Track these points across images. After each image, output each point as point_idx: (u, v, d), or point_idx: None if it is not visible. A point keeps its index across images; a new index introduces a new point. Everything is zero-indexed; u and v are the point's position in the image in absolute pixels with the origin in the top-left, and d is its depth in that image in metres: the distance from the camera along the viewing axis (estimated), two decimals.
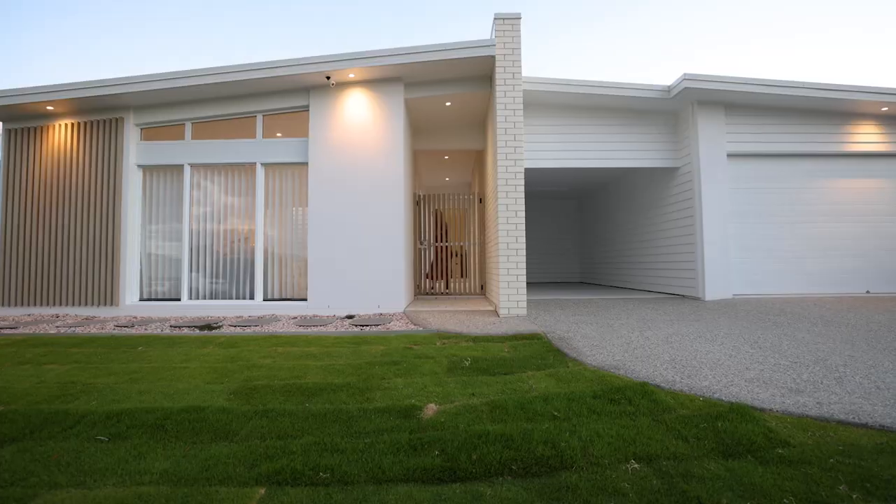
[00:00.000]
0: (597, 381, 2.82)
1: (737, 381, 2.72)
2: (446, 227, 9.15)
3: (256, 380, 3.07)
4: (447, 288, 8.80)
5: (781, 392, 2.50)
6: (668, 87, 6.76)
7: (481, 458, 1.89)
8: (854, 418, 2.12)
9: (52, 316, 6.27)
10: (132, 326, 5.29)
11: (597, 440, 2.01)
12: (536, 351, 3.62)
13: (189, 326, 5.18)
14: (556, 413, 2.35)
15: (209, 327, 5.10)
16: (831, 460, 1.76)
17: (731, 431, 2.04)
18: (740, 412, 2.23)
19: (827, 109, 6.98)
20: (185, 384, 3.01)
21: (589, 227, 12.76)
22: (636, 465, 1.81)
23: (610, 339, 3.97)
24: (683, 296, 7.26)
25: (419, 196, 8.73)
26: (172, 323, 5.49)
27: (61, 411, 2.49)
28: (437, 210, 8.87)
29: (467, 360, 3.38)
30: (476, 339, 4.16)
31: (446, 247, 8.97)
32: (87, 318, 6.02)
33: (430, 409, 2.47)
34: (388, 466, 1.84)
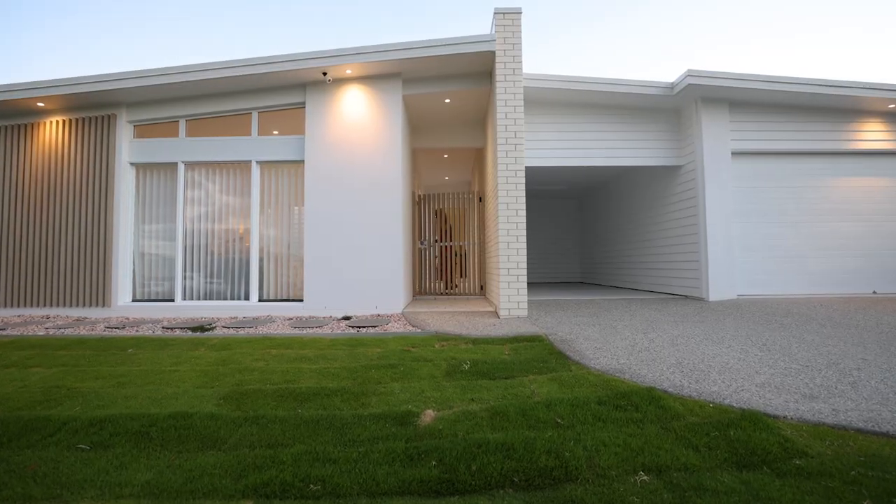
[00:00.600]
0: (601, 385, 2.72)
1: (747, 385, 2.61)
2: (446, 226, 9.05)
3: (248, 384, 2.97)
4: (447, 288, 8.71)
5: (795, 398, 2.39)
6: (672, 83, 6.65)
7: (481, 468, 1.79)
8: (873, 426, 2.02)
9: (43, 317, 6.16)
10: (123, 328, 5.18)
11: (603, 450, 1.91)
12: (538, 354, 3.52)
13: (182, 328, 5.07)
14: (559, 420, 2.25)
15: (202, 329, 4.99)
16: (853, 473, 1.66)
17: (745, 440, 1.94)
18: (753, 419, 2.12)
19: (832, 107, 6.87)
20: (173, 388, 2.91)
21: (589, 227, 12.66)
22: (645, 478, 1.71)
23: (613, 341, 3.87)
24: (686, 296, 7.16)
25: (420, 196, 8.64)
26: (165, 324, 5.38)
27: (42, 417, 2.39)
28: (438, 209, 8.77)
29: (466, 364, 3.27)
30: (476, 342, 4.06)
31: (446, 246, 8.87)
32: (77, 320, 5.91)
33: (428, 415, 2.37)
34: (383, 478, 1.74)
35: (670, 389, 2.60)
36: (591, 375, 2.93)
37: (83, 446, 2.09)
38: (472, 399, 2.58)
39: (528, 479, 1.71)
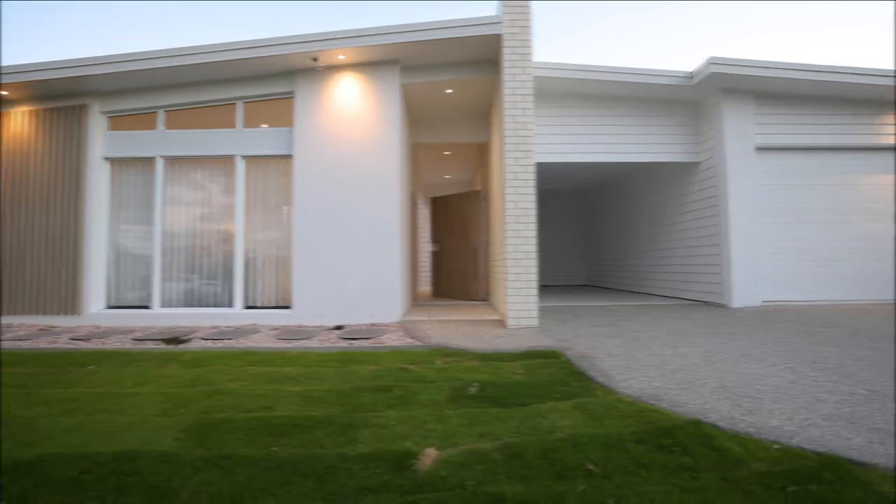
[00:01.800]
0: (636, 416, 2.28)
1: (812, 418, 2.17)
2: (447, 227, 8.62)
3: (217, 411, 2.53)
4: (449, 294, 8.28)
5: (879, 437, 1.95)
6: (691, 73, 6.20)
7: None
8: None
9: (3, 326, 5.63)
10: (89, 339, 4.69)
11: None
12: (555, 373, 3.08)
13: (154, 339, 4.60)
14: (591, 466, 1.81)
15: (177, 340, 4.52)
16: None
17: (835, 502, 1.49)
18: (837, 469, 1.69)
19: (867, 98, 6.37)
20: (129, 417, 2.48)
21: (596, 228, 12.24)
22: None
23: (640, 357, 3.42)
24: (707, 302, 6.71)
25: (420, 195, 8.19)
26: (137, 335, 4.90)
27: None
28: (439, 209, 8.36)
29: (474, 386, 2.83)
30: (483, 357, 3.61)
31: (448, 249, 8.45)
32: (42, 329, 5.40)
33: (429, 455, 1.94)
34: None
35: (721, 423, 2.15)
36: (622, 403, 2.48)
37: None
38: (482, 434, 2.14)
39: None
